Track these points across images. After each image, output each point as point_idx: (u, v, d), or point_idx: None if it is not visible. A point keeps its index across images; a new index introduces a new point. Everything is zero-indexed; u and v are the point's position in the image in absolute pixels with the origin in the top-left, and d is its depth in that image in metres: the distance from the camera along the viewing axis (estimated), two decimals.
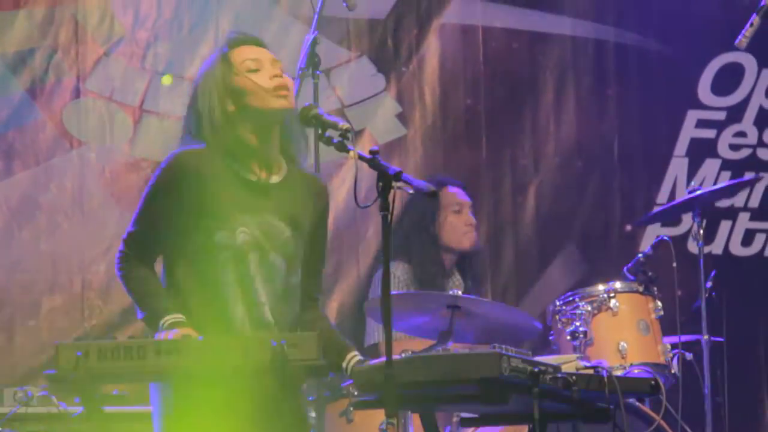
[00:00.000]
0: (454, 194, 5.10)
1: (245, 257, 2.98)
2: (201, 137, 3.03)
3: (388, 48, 5.76)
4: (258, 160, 3.03)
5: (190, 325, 2.94)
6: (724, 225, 6.12)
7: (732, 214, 6.10)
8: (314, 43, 4.27)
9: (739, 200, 6.08)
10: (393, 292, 4.70)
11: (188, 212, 2.99)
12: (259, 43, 3.09)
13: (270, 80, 3.01)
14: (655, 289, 4.62)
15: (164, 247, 3.03)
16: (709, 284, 4.75)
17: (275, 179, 3.06)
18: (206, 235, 2.98)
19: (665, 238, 4.76)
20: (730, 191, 5.35)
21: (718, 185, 5.27)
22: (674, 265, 4.64)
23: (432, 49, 5.82)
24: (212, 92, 3.02)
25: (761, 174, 5.98)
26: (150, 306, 2.98)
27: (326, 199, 3.15)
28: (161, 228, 3.01)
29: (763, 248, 6.15)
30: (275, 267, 3.01)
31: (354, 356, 3.10)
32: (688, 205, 4.85)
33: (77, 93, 5.30)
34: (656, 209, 5.53)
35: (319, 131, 3.01)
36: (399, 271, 4.95)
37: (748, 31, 3.88)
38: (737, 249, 6.13)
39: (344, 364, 3.09)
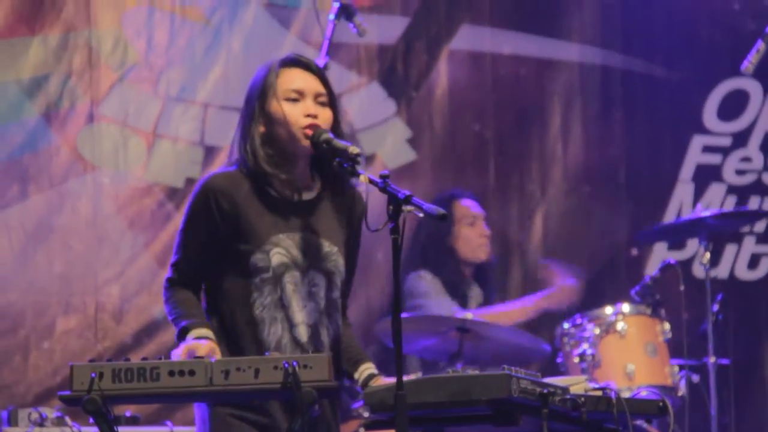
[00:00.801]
0: (467, 207, 5.14)
1: (281, 279, 3.00)
2: (238, 152, 3.05)
3: (398, 73, 5.80)
4: (289, 180, 3.04)
5: (225, 346, 2.97)
6: (730, 249, 6.13)
7: (737, 237, 6.12)
8: (324, 68, 4.32)
9: (744, 226, 6.10)
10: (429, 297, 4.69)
11: (222, 237, 3.01)
12: (311, 70, 3.06)
13: (303, 118, 3.00)
14: (663, 311, 4.64)
15: (205, 273, 3.05)
16: (716, 307, 4.77)
17: (308, 196, 3.06)
18: (241, 259, 3.00)
19: (672, 261, 4.78)
20: (736, 217, 5.37)
21: (726, 210, 5.30)
22: (681, 288, 4.66)
23: (441, 74, 5.87)
24: (249, 107, 3.04)
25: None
26: (179, 325, 3.00)
27: (361, 205, 3.13)
28: (200, 254, 3.03)
29: None
30: (315, 284, 3.03)
31: (367, 368, 3.11)
32: (694, 229, 4.87)
33: (91, 118, 5.35)
34: (661, 225, 5.55)
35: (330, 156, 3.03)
36: (429, 276, 4.98)
37: (754, 57, 3.90)
38: (743, 273, 6.15)
39: (357, 376, 3.11)
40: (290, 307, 3.01)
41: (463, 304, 4.92)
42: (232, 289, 3.02)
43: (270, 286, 3.00)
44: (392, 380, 2.96)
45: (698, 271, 5.65)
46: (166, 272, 3.10)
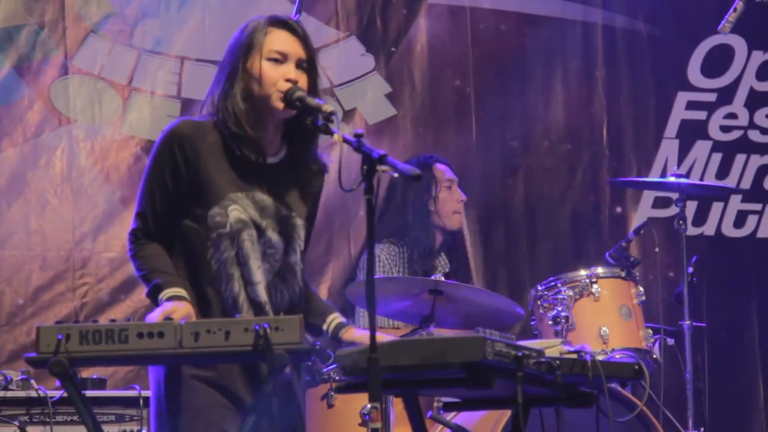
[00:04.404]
0: (443, 171, 5.07)
1: (239, 236, 2.97)
2: (213, 104, 3.02)
3: (377, 28, 5.73)
4: (256, 140, 3.01)
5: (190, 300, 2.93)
6: (716, 207, 6.11)
7: (724, 195, 6.10)
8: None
9: (730, 182, 6.07)
10: (376, 275, 4.72)
11: (184, 187, 2.98)
12: (297, 34, 3.03)
13: (282, 81, 2.98)
14: (637, 274, 4.62)
15: (168, 225, 3.01)
16: (691, 269, 4.74)
17: (273, 160, 3.04)
18: (200, 211, 2.97)
19: (647, 223, 4.76)
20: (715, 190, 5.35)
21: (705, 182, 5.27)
22: (656, 249, 4.64)
23: (420, 29, 5.79)
24: (232, 62, 3.01)
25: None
26: (152, 282, 2.96)
27: (322, 178, 3.13)
28: (164, 203, 2.99)
29: (756, 229, 6.15)
30: (272, 246, 3.00)
31: (335, 318, 3.11)
32: (671, 189, 4.83)
33: (65, 70, 5.28)
34: (635, 181, 5.53)
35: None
36: (384, 254, 4.91)
37: (731, 16, 3.86)
38: (729, 230, 6.13)
39: (325, 327, 3.11)
40: (247, 265, 2.98)
41: (430, 272, 4.87)
42: (190, 244, 2.99)
43: (227, 242, 2.98)
44: (364, 332, 2.93)
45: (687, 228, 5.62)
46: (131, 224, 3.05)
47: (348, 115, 5.60)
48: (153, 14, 5.40)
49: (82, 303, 5.24)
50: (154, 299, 2.96)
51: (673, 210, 5.78)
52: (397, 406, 3.79)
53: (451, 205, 4.99)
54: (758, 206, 6.15)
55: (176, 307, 2.87)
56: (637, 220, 5.91)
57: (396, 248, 4.93)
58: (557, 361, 3.05)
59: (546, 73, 5.95)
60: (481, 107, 5.85)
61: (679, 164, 5.94)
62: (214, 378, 2.92)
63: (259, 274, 2.98)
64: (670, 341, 4.58)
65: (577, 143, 5.98)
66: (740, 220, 6.14)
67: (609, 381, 3.21)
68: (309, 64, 3.03)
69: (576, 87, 5.99)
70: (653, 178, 5.86)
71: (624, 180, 5.45)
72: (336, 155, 2.91)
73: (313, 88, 3.02)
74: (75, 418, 4.18)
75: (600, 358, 3.25)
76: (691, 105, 6.14)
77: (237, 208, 2.98)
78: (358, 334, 3.07)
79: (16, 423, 4.17)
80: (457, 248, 5.04)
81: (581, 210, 5.96)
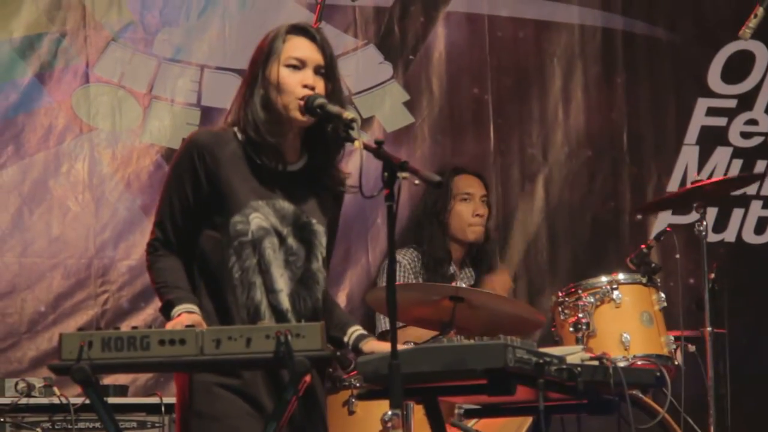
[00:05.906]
0: (466, 183, 5.02)
1: (260, 243, 2.98)
2: (234, 113, 3.03)
3: (395, 36, 5.73)
4: (276, 147, 3.03)
5: (204, 316, 2.94)
6: (737, 213, 6.08)
7: (744, 202, 6.07)
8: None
9: (751, 188, 6.04)
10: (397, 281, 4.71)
11: (205, 196, 2.99)
12: (316, 41, 3.05)
13: (300, 88, 2.99)
14: (658, 280, 4.60)
15: (188, 235, 3.02)
16: (712, 276, 4.72)
17: (293, 168, 3.05)
18: (221, 220, 2.98)
19: (669, 229, 4.75)
20: (734, 183, 5.32)
21: (719, 177, 5.25)
22: (677, 256, 4.62)
23: (438, 37, 5.79)
24: (253, 70, 3.03)
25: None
26: (165, 297, 2.98)
27: (343, 188, 3.13)
28: (183, 213, 3.01)
29: None
30: (293, 253, 3.01)
31: (355, 331, 3.11)
32: (692, 196, 4.82)
33: (86, 78, 5.30)
34: (660, 198, 5.52)
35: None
36: (406, 259, 4.91)
37: (751, 22, 3.85)
38: (750, 237, 6.10)
39: (346, 339, 3.11)
40: (269, 272, 2.99)
41: (445, 282, 4.85)
42: (210, 253, 3.00)
43: (249, 250, 2.99)
44: (385, 343, 2.94)
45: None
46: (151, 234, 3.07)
47: (366, 123, 5.59)
48: (173, 23, 5.42)
49: (103, 310, 5.25)
50: (166, 315, 2.97)
51: (693, 216, 5.76)
52: (417, 413, 3.78)
53: (465, 219, 4.95)
54: None
55: (185, 317, 2.88)
56: (657, 226, 5.90)
57: (418, 254, 4.94)
58: (578, 368, 3.05)
59: (565, 80, 5.94)
60: (500, 115, 5.84)
61: (699, 170, 5.93)
62: (238, 385, 2.94)
63: (281, 281, 2.99)
64: (692, 348, 4.55)
65: (597, 150, 5.97)
66: (761, 226, 6.12)
67: (630, 388, 3.21)
68: (327, 71, 3.04)
69: (596, 93, 5.98)
70: (672, 189, 5.85)
71: (647, 206, 5.42)
72: (356, 162, 2.91)
73: (332, 95, 3.03)
74: (97, 425, 4.19)
75: (621, 364, 3.24)
76: (712, 111, 6.11)
77: (258, 216, 2.99)
78: (377, 345, 3.07)
79: (38, 430, 4.19)
80: (483, 262, 5.00)
81: (601, 217, 5.95)
